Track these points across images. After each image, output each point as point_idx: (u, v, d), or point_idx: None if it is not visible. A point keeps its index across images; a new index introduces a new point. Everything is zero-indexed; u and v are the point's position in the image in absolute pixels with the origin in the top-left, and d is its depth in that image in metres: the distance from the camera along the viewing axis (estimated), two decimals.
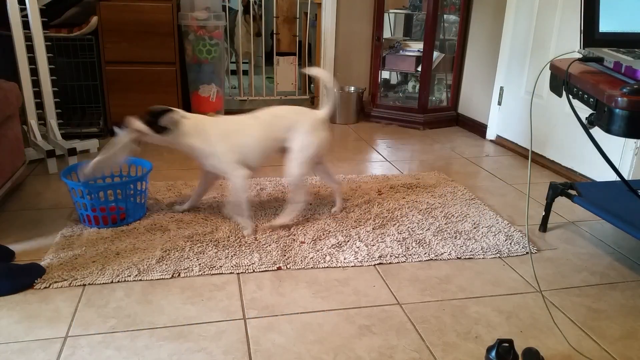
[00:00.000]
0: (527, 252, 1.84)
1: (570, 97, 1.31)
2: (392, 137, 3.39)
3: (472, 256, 1.81)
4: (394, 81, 4.18)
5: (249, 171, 1.89)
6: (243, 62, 4.18)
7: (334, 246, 1.82)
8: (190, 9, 3.22)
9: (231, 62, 4.93)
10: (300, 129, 1.90)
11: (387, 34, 3.86)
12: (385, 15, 3.69)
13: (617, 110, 1.14)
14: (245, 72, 4.74)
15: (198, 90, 3.38)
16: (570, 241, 1.96)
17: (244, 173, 1.87)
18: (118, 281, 1.58)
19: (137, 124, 1.80)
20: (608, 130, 1.18)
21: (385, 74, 4.07)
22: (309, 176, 2.50)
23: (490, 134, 3.34)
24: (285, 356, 1.29)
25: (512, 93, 3.11)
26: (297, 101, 4.22)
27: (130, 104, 3.08)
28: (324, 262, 1.73)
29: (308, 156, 1.90)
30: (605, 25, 1.33)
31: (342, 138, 3.34)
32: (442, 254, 1.80)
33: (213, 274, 1.64)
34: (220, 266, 1.67)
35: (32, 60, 2.59)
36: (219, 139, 1.85)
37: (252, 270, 1.67)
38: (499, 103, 3.24)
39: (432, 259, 1.78)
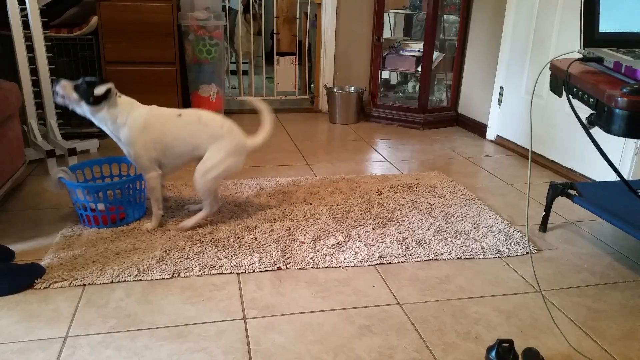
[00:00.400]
0: (527, 252, 1.84)
1: (570, 97, 1.31)
2: (392, 137, 3.39)
3: (472, 256, 1.81)
4: (394, 81, 4.18)
5: (160, 172, 1.89)
6: (243, 62, 4.18)
7: (334, 246, 1.82)
8: (190, 9, 3.22)
9: (231, 62, 4.93)
10: (222, 145, 1.87)
11: (387, 34, 3.86)
12: (385, 15, 3.69)
13: (617, 110, 1.14)
14: (245, 72, 4.75)
15: (198, 90, 3.38)
16: (570, 241, 1.96)
17: (156, 174, 1.88)
18: (118, 281, 1.58)
19: (67, 87, 1.78)
20: (608, 130, 1.18)
21: (385, 74, 4.07)
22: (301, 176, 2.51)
23: (490, 134, 3.34)
24: (285, 356, 1.29)
25: (512, 93, 3.11)
26: (297, 101, 4.22)
27: None
28: (324, 262, 1.73)
29: (218, 175, 1.88)
30: (605, 25, 1.33)
31: (342, 138, 3.34)
32: (442, 254, 1.80)
33: (213, 274, 1.64)
34: (220, 266, 1.67)
35: (32, 60, 2.59)
36: (142, 130, 1.82)
37: (252, 270, 1.67)
38: (499, 103, 3.24)
39: (432, 259, 1.78)
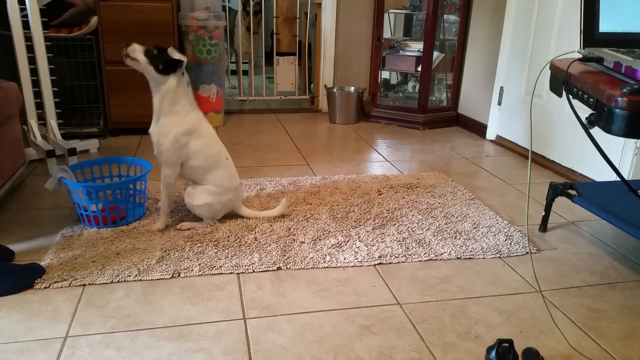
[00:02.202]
0: (527, 252, 1.84)
1: (570, 97, 1.31)
2: (392, 137, 3.39)
3: (472, 256, 1.81)
4: (394, 81, 4.18)
5: (179, 170, 1.89)
6: (243, 62, 4.18)
7: (334, 246, 1.82)
8: (190, 9, 3.22)
9: (231, 62, 4.93)
10: (219, 192, 1.93)
11: (387, 34, 3.86)
12: (385, 15, 3.69)
13: (617, 110, 1.14)
14: (245, 72, 4.75)
15: (198, 90, 3.38)
16: (570, 241, 1.96)
17: (175, 173, 1.88)
18: (118, 281, 1.58)
19: (137, 50, 1.76)
20: (608, 130, 1.18)
21: (385, 74, 4.07)
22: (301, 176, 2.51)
23: (490, 134, 3.34)
24: (285, 356, 1.29)
25: (512, 93, 3.11)
26: (297, 101, 4.22)
27: (130, 104, 3.07)
28: (324, 262, 1.73)
29: (209, 205, 1.92)
30: (605, 25, 1.33)
31: (342, 138, 3.34)
32: (442, 254, 1.80)
33: (213, 274, 1.64)
34: (220, 266, 1.67)
35: (32, 60, 2.58)
36: (184, 131, 1.83)
37: (252, 270, 1.67)
38: (499, 103, 3.24)
39: (432, 259, 1.78)
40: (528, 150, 2.98)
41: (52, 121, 2.70)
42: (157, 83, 1.80)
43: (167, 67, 1.77)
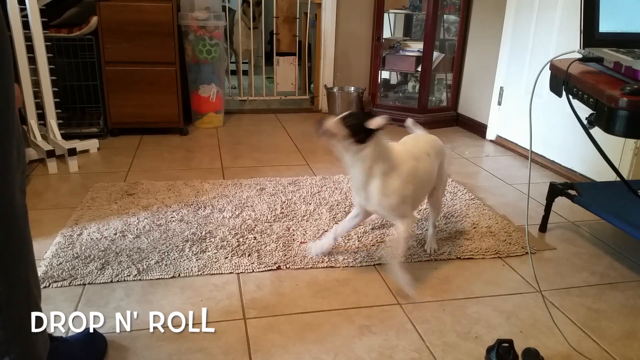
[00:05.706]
0: (527, 252, 1.84)
1: (570, 97, 1.31)
2: (392, 137, 3.38)
3: (471, 256, 1.80)
4: (394, 81, 4.17)
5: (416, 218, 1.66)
6: (243, 62, 4.18)
7: (333, 246, 1.82)
8: (190, 9, 3.22)
9: (231, 62, 4.93)
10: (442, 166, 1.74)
11: (387, 34, 3.86)
12: (385, 15, 3.69)
13: (617, 110, 1.14)
14: (245, 72, 4.74)
15: (198, 90, 3.38)
16: (570, 241, 1.96)
17: (414, 219, 1.68)
18: (118, 281, 1.58)
19: (336, 124, 1.51)
20: (608, 130, 1.18)
21: (385, 74, 4.06)
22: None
23: (490, 134, 3.34)
24: (285, 356, 1.29)
25: (512, 93, 3.11)
26: (297, 101, 4.22)
27: (130, 104, 3.07)
28: (324, 262, 1.72)
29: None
30: (605, 25, 1.33)
31: None
32: (442, 254, 1.80)
33: (213, 274, 1.64)
34: (220, 266, 1.67)
35: (32, 60, 2.58)
36: (407, 177, 1.57)
37: (252, 270, 1.67)
38: (499, 103, 3.24)
39: (432, 259, 1.78)
40: (528, 150, 2.97)
41: (52, 121, 2.70)
42: (354, 152, 1.52)
43: (366, 135, 1.49)
